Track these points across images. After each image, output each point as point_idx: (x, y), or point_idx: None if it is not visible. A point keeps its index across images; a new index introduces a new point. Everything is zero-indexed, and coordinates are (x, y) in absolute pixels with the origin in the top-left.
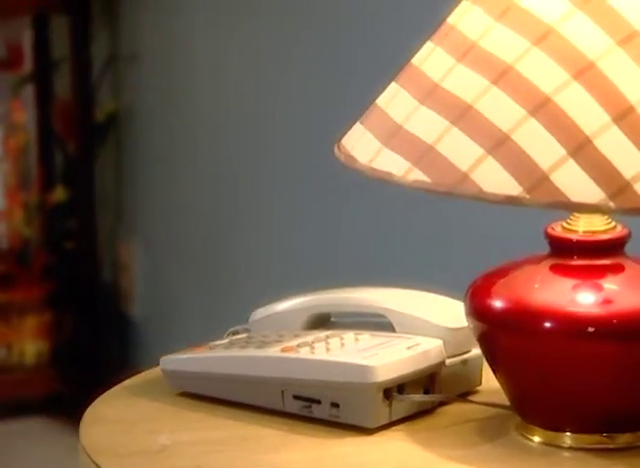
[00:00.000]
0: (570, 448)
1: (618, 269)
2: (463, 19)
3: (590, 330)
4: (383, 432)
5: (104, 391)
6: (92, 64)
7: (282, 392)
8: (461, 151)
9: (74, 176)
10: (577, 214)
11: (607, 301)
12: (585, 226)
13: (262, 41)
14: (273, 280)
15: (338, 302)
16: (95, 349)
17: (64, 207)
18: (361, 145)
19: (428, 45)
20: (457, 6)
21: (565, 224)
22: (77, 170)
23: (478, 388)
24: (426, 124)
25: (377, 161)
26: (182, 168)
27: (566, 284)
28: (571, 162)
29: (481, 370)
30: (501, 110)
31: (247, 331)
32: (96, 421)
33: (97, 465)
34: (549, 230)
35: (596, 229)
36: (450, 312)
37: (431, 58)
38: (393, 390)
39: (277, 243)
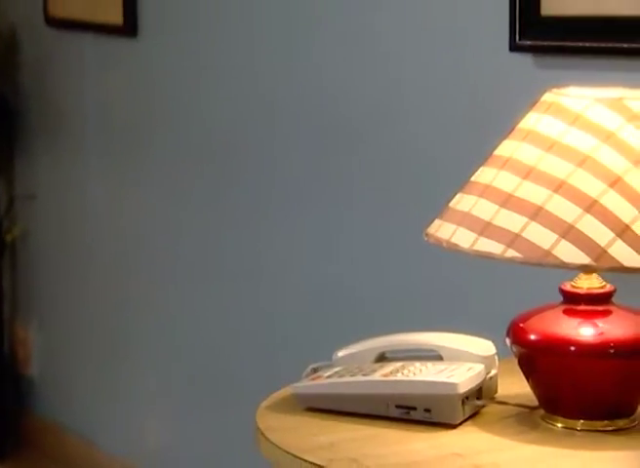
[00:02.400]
0: (583, 431)
1: (608, 313)
2: (518, 152)
3: (611, 351)
4: (461, 427)
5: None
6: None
7: (387, 404)
8: (541, 236)
9: None
10: (580, 277)
11: (600, 333)
12: (587, 284)
13: (148, 182)
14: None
15: (403, 342)
16: None
17: None
18: (459, 235)
19: (490, 169)
20: (502, 143)
21: (573, 283)
22: None
23: (496, 395)
24: (509, 220)
25: (477, 245)
26: (73, 271)
27: (572, 321)
28: (619, 241)
29: (497, 383)
30: (564, 210)
31: (329, 366)
32: (267, 430)
33: (295, 456)
34: (563, 287)
35: (594, 286)
36: (480, 346)
37: (499, 178)
38: (465, 398)
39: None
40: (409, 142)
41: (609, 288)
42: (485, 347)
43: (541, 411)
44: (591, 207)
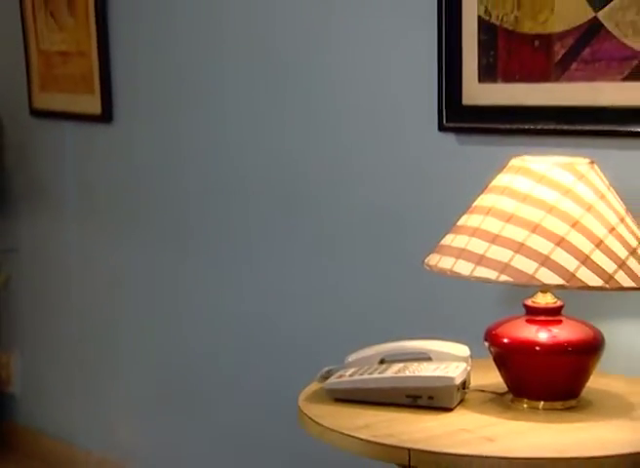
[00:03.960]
0: (544, 409)
1: (559, 322)
2: (498, 203)
3: (562, 350)
4: (455, 410)
5: None
6: None
7: (399, 394)
8: (526, 265)
9: None
10: (539, 294)
11: (553, 336)
12: (544, 300)
13: (120, 236)
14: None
15: (402, 348)
16: None
17: None
18: (459, 265)
19: (476, 216)
20: (486, 195)
21: (533, 299)
22: None
23: (470, 385)
24: (499, 254)
25: (476, 272)
26: (49, 308)
27: (533, 328)
28: (583, 267)
29: (470, 377)
30: (541, 244)
31: (342, 368)
32: (315, 417)
33: (346, 434)
34: (526, 302)
35: (549, 302)
36: (459, 349)
37: (486, 222)
38: (458, 387)
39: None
40: (362, 198)
41: (559, 303)
42: (463, 350)
43: (510, 396)
44: (560, 242)
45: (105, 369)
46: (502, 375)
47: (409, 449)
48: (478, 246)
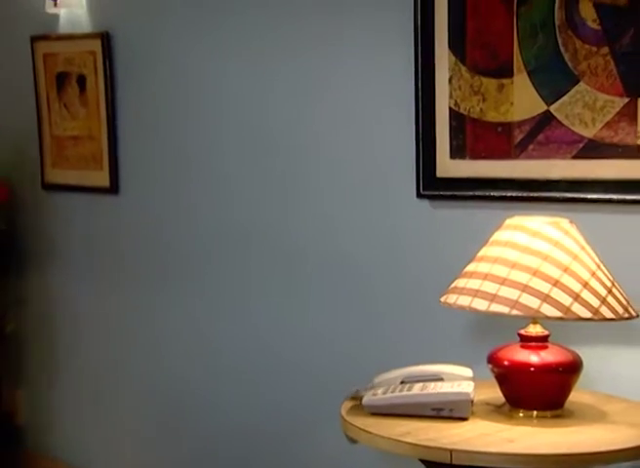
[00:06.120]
0: (537, 417)
1: (546, 347)
2: (503, 253)
3: (549, 370)
4: (471, 419)
5: None
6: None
7: (425, 407)
8: (531, 301)
9: None
10: (530, 325)
11: (543, 359)
12: (534, 330)
13: (121, 289)
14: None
15: (420, 371)
16: None
17: None
18: (476, 302)
19: (485, 264)
20: (490, 247)
21: (525, 329)
22: None
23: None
24: (509, 292)
25: (491, 307)
26: (52, 352)
27: (527, 352)
28: (576, 303)
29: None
30: (541, 284)
31: (370, 387)
32: (366, 426)
33: (396, 440)
34: (520, 332)
35: (538, 331)
36: (465, 371)
37: (494, 268)
38: (472, 401)
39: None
40: (352, 253)
41: (546, 332)
42: (468, 371)
43: (507, 407)
44: (556, 283)
45: (110, 399)
46: (502, 390)
47: (450, 450)
48: (490, 287)
